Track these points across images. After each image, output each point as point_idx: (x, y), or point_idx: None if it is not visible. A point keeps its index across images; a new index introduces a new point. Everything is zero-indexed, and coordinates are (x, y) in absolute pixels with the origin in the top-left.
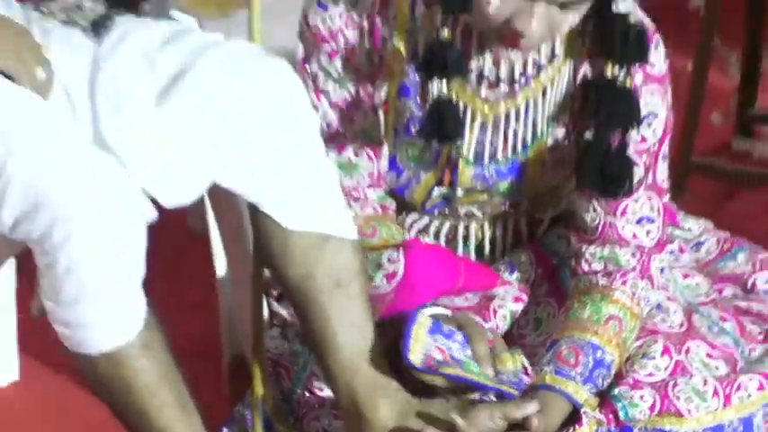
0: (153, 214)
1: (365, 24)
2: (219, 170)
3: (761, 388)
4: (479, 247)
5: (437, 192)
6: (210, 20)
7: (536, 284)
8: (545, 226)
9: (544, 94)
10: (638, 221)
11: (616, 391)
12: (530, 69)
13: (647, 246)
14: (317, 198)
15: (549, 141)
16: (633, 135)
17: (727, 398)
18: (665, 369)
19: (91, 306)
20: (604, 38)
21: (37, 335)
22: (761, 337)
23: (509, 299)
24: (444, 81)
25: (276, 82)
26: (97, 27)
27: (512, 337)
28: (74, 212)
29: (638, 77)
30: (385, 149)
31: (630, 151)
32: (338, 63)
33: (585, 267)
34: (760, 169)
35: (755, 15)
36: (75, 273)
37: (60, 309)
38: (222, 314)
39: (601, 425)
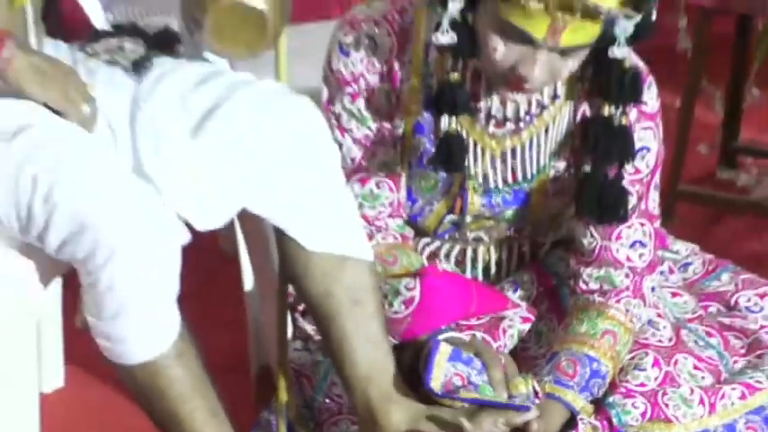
0: (187, 237)
1: (384, 68)
2: (248, 198)
3: (743, 397)
4: (486, 269)
5: (448, 218)
6: (240, 60)
7: (537, 301)
8: (546, 249)
9: (547, 131)
10: (632, 245)
11: (610, 399)
12: (534, 109)
13: (640, 267)
14: (336, 223)
15: (551, 173)
16: (628, 167)
17: (712, 406)
18: (656, 379)
19: (129, 321)
20: (602, 81)
21: (81, 346)
22: (743, 351)
23: (517, 319)
24: (454, 118)
25: (301, 119)
26: (137, 67)
27: (516, 350)
28: (115, 236)
29: (633, 114)
30: (403, 180)
31: (625, 182)
32: (360, 103)
33: (583, 287)
34: (742, 197)
35: (739, 57)
36: (116, 291)
37: (102, 323)
38: (250, 328)
39: (596, 430)
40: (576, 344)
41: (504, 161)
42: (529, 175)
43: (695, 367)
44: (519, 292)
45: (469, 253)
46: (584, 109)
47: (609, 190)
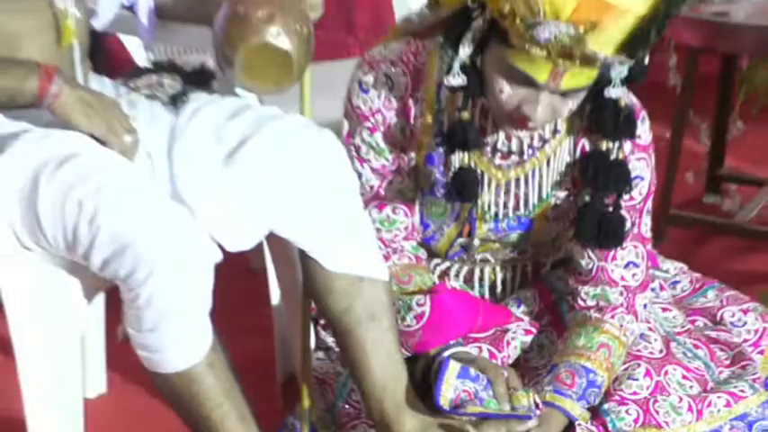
0: (219, 256)
1: (399, 104)
2: (275, 222)
3: (728, 405)
4: (492, 287)
5: (458, 242)
6: (268, 95)
7: (539, 316)
8: (547, 268)
9: (548, 163)
10: (626, 266)
11: (606, 406)
12: (536, 143)
13: (633, 286)
14: (355, 246)
15: (552, 201)
16: (624, 196)
17: (700, 413)
18: (647, 388)
19: (166, 333)
20: (599, 118)
21: (122, 356)
22: (728, 362)
23: (520, 332)
24: (465, 154)
25: (323, 151)
26: (175, 101)
27: (519, 360)
28: (154, 256)
29: (628, 147)
30: (417, 206)
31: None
32: (378, 136)
33: (581, 303)
34: (727, 220)
35: (724, 93)
36: (154, 305)
37: (141, 335)
38: (276, 339)
39: None
40: (575, 356)
41: (508, 191)
42: (531, 204)
43: (684, 377)
44: (522, 308)
45: (477, 273)
46: (584, 143)
47: (608, 218)
